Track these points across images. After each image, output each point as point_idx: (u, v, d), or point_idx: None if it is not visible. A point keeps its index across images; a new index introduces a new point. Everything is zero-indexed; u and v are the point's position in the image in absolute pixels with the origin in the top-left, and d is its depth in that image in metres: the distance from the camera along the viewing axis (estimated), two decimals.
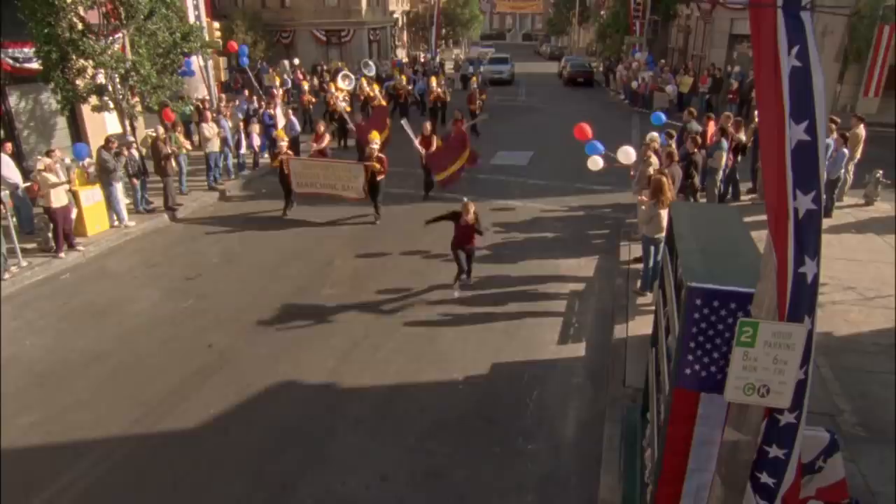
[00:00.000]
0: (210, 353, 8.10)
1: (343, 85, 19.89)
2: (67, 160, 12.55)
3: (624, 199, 13.48)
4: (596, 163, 11.04)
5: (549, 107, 28.71)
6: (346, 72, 21.36)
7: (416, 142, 13.79)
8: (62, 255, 10.92)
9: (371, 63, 23.97)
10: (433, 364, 7.80)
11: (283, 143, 13.40)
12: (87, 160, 13.14)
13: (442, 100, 22.47)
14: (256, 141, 16.61)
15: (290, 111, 17.89)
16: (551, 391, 7.26)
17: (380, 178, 12.45)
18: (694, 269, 3.91)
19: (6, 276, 10.00)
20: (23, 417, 6.76)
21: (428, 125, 14.59)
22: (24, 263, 10.48)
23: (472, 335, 8.50)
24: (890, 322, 7.83)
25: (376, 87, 21.31)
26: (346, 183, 12.76)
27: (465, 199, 9.41)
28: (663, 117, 13.03)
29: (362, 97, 21.09)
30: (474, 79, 25.59)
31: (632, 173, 11.36)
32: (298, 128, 17.24)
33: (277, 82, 23.40)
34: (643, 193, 9.78)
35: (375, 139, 12.78)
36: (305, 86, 23.56)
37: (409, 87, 24.26)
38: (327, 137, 15.66)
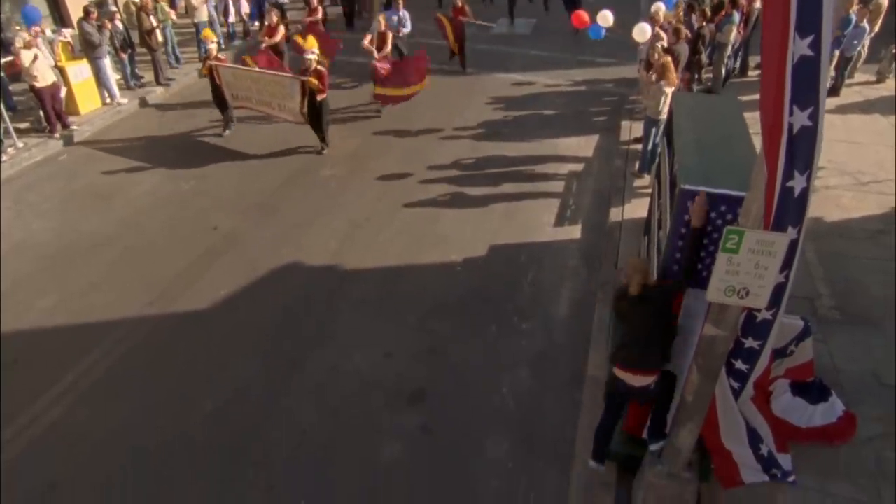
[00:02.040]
0: (215, 235, 8.31)
1: None
2: (49, 32, 12.01)
3: (628, 73, 13.11)
4: (644, 32, 10.19)
5: None
6: None
7: (366, 41, 11.75)
8: (57, 135, 10.79)
9: None
10: (433, 246, 8.04)
11: (213, 46, 10.76)
12: (69, 31, 12.59)
13: None
14: (245, 8, 15.78)
15: None
16: (546, 272, 7.55)
17: (320, 97, 10.00)
18: (688, 169, 3.98)
19: (4, 157, 9.96)
20: (43, 300, 7.10)
21: (382, 18, 12.20)
22: (20, 144, 10.39)
23: (471, 217, 8.67)
24: (881, 207, 7.96)
25: None
26: (282, 101, 10.32)
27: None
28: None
29: None
30: None
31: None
32: None
33: None
34: (646, 71, 9.50)
35: (313, 47, 10.09)
36: None
37: None
38: (319, 12, 13.92)
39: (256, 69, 10.59)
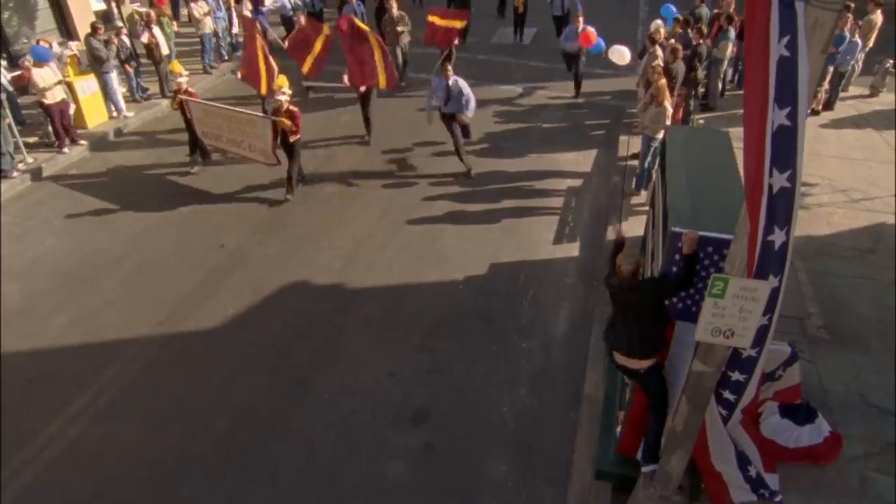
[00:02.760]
0: (222, 253, 8.52)
1: None
2: (56, 46, 12.20)
3: (627, 85, 13.29)
4: (623, 55, 10.72)
5: None
6: None
7: (345, 78, 11.00)
8: (66, 149, 10.99)
9: None
10: (435, 264, 8.25)
11: (182, 80, 10.08)
12: (75, 44, 12.80)
13: None
14: None
15: None
16: (545, 291, 7.77)
17: (293, 139, 9.38)
18: (679, 211, 4.20)
19: (15, 174, 10.16)
20: (58, 318, 7.32)
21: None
22: (29, 160, 10.59)
23: (471, 234, 8.88)
24: (872, 226, 8.17)
25: None
26: (252, 141, 9.72)
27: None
28: (672, 8, 12.31)
29: None
30: None
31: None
32: (290, 6, 16.11)
33: None
34: (645, 89, 9.71)
35: (284, 86, 9.48)
36: None
37: None
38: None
39: (230, 108, 10.00)
